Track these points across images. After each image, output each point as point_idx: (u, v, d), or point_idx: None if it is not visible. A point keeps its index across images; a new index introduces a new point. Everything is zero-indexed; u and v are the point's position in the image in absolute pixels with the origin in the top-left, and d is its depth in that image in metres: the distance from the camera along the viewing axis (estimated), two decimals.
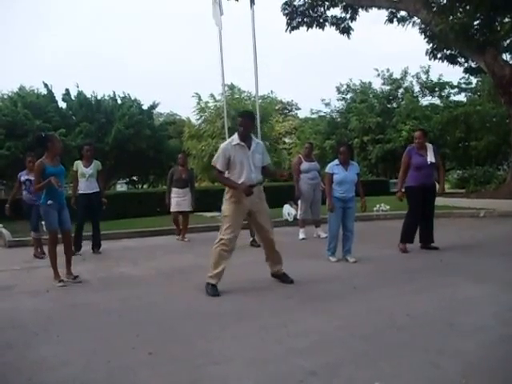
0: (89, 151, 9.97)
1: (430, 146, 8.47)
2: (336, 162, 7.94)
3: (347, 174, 7.79)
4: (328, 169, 7.95)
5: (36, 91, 31.59)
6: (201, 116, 30.55)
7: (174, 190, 11.37)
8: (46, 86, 30.47)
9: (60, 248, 7.26)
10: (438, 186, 8.87)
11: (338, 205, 7.79)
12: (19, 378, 3.74)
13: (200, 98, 30.40)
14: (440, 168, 8.72)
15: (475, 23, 15.81)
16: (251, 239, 9.78)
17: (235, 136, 6.30)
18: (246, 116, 6.53)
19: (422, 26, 18.39)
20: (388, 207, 14.41)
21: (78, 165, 9.88)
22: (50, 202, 7.03)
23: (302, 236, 10.62)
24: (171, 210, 11.49)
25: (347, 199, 7.80)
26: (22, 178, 10.00)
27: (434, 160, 8.31)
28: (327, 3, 18.55)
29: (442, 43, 17.89)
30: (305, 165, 10.68)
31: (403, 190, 8.56)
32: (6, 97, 30.94)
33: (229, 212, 6.19)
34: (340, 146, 8.12)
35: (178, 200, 11.34)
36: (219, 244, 6.16)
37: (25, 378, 3.71)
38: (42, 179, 7.01)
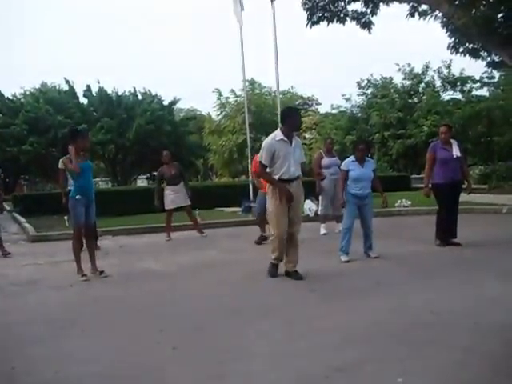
0: None
1: (454, 142, 8.41)
2: (352, 158, 7.86)
3: (364, 170, 7.71)
4: (344, 165, 7.88)
5: (58, 87, 32.01)
6: (221, 111, 30.61)
7: (169, 187, 11.11)
8: (67, 82, 30.88)
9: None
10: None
11: (353, 201, 7.70)
12: (46, 371, 3.78)
13: (220, 94, 30.50)
14: (464, 164, 8.66)
15: (499, 16, 15.57)
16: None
17: (278, 132, 6.56)
18: (297, 114, 6.98)
19: (444, 19, 18.15)
20: (409, 203, 14.32)
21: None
22: (78, 196, 7.09)
23: (323, 231, 10.61)
24: (166, 207, 11.18)
25: (363, 196, 7.71)
26: None
27: (459, 154, 8.27)
28: None
29: (464, 37, 17.63)
30: (326, 160, 10.66)
31: (430, 186, 8.51)
32: (28, 93, 31.35)
33: (274, 207, 6.49)
34: (359, 144, 8.03)
35: (174, 197, 11.06)
36: (274, 238, 6.58)
37: (52, 371, 3.75)
38: (68, 175, 7.15)
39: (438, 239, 8.45)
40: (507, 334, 4.15)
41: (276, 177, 6.48)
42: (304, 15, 18.54)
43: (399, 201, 14.43)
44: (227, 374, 3.60)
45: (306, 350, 3.93)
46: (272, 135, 6.62)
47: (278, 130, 6.62)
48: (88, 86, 31.17)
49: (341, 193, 7.81)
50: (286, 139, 6.46)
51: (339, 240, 7.82)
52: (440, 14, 18.00)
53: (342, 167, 7.96)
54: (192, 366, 3.77)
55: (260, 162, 6.57)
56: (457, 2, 15.85)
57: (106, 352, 4.15)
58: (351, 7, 18.77)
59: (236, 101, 29.72)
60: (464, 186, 8.73)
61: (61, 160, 8.23)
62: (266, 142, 6.56)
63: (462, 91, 32.27)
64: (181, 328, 4.68)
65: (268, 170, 6.53)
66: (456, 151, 8.27)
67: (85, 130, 8.10)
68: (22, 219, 15.49)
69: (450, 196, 8.33)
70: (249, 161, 15.61)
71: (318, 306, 5.25)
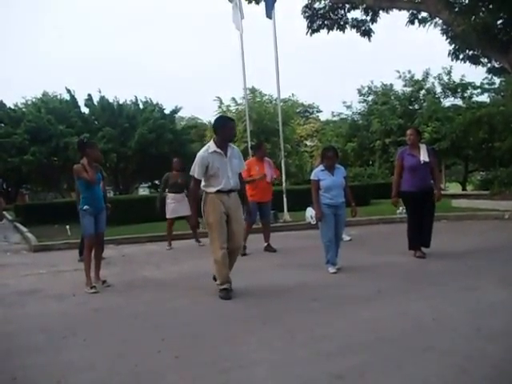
0: None
1: (423, 146, 8.19)
2: (321, 167, 7.59)
3: (334, 178, 7.44)
4: (313, 176, 7.59)
5: (59, 97, 32.01)
6: None
7: (171, 195, 11.13)
8: (68, 91, 30.85)
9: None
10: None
11: (328, 211, 7.41)
12: (48, 381, 3.79)
13: (221, 102, 30.38)
14: (435, 170, 8.28)
15: (498, 23, 15.62)
16: (266, 244, 9.78)
17: (211, 143, 6.31)
18: (230, 124, 6.51)
19: (444, 26, 18.21)
20: None
21: None
22: (86, 207, 7.11)
23: None
24: (168, 216, 11.20)
25: (337, 205, 7.43)
26: None
27: (427, 159, 7.97)
28: (347, 6, 18.47)
29: (464, 44, 17.68)
30: None
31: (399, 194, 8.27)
32: (29, 103, 31.40)
33: (211, 219, 6.19)
34: (327, 151, 7.64)
35: (175, 206, 11.05)
36: (215, 252, 6.18)
37: (54, 381, 3.75)
38: (79, 183, 7.22)
39: (411, 250, 8.17)
40: (508, 340, 4.15)
41: (213, 189, 6.20)
42: (304, 23, 18.66)
43: (401, 207, 14.39)
44: (229, 382, 3.60)
45: (306, 358, 3.93)
46: (205, 147, 6.36)
47: (211, 141, 6.37)
48: (89, 96, 31.18)
49: (317, 205, 7.48)
50: (219, 150, 6.21)
51: (324, 253, 7.58)
52: (440, 21, 18.07)
53: (311, 177, 7.66)
54: (194, 374, 3.77)
55: (193, 176, 6.29)
56: (456, 9, 15.91)
57: (107, 361, 4.16)
58: (351, 15, 18.89)
59: (237, 109, 29.64)
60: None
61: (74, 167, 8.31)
62: (199, 155, 6.26)
63: (462, 97, 32.34)
64: (182, 337, 4.69)
65: (204, 183, 6.27)
66: (424, 156, 7.99)
67: (92, 141, 8.18)
68: (24, 229, 15.54)
69: (420, 204, 8.03)
70: None
71: (319, 314, 5.25)
